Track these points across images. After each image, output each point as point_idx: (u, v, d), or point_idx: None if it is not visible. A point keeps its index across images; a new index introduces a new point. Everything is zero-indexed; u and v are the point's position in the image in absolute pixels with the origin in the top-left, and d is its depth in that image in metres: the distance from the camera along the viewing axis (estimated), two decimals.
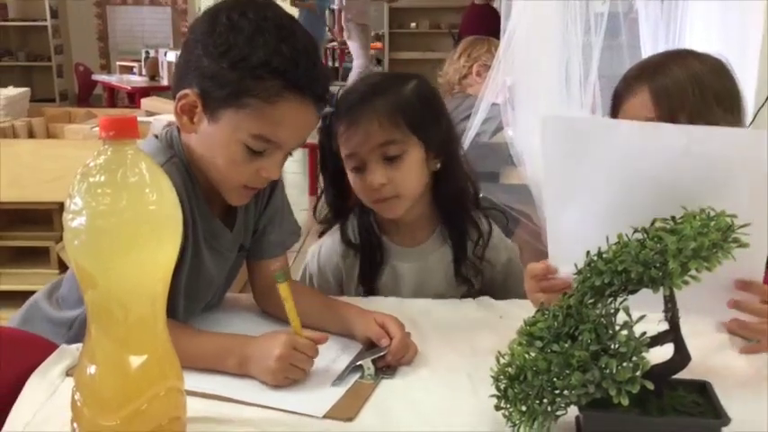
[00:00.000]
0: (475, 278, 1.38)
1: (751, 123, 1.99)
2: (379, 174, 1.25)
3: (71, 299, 1.13)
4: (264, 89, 1.00)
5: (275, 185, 1.22)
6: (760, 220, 0.84)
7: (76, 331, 1.08)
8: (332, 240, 1.40)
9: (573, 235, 0.95)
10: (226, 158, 1.06)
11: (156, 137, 1.14)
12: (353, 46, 7.99)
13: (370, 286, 1.38)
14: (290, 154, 1.12)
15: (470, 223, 1.38)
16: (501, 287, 1.39)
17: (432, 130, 1.29)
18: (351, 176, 1.29)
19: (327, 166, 1.34)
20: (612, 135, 0.98)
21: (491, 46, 2.62)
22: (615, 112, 1.30)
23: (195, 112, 1.05)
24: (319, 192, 1.40)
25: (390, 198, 1.28)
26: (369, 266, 1.37)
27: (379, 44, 10.45)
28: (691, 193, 0.86)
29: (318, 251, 1.41)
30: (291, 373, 0.99)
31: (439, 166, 1.32)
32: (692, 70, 1.23)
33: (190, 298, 1.14)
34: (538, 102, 2.26)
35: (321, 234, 1.43)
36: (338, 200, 1.37)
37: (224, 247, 1.19)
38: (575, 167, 0.97)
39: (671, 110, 1.21)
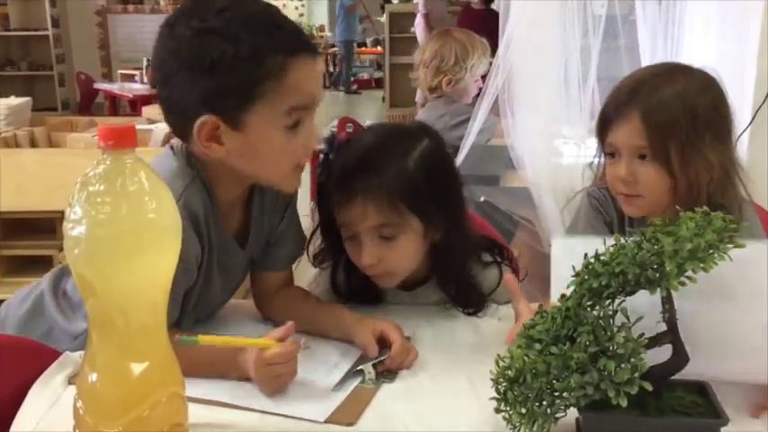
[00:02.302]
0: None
1: (750, 123, 2.00)
2: (370, 253, 1.17)
3: (80, 303, 1.12)
4: (267, 69, 0.98)
5: (291, 200, 1.21)
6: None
7: (79, 344, 1.07)
8: (322, 281, 1.33)
9: None
10: (271, 151, 1.03)
11: (173, 150, 1.09)
12: None
13: None
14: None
15: (471, 286, 1.26)
16: None
17: (435, 207, 1.18)
18: (345, 242, 1.22)
19: (323, 204, 1.23)
20: None
21: (459, 58, 2.59)
22: (604, 134, 1.27)
23: (217, 133, 1.01)
24: (314, 226, 1.28)
25: (382, 274, 1.22)
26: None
27: (379, 49, 10.49)
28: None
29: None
30: (279, 384, 0.98)
31: (440, 236, 1.22)
32: (682, 92, 1.20)
33: (194, 314, 1.14)
34: (537, 104, 2.27)
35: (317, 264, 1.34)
36: (333, 235, 1.25)
37: (235, 265, 1.18)
38: None
39: (662, 138, 1.18)
